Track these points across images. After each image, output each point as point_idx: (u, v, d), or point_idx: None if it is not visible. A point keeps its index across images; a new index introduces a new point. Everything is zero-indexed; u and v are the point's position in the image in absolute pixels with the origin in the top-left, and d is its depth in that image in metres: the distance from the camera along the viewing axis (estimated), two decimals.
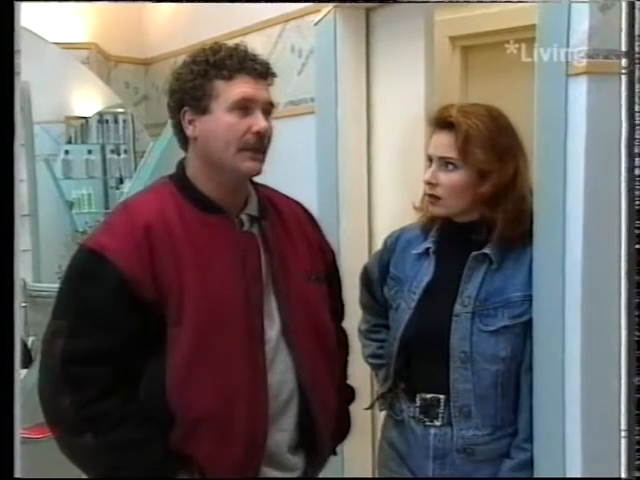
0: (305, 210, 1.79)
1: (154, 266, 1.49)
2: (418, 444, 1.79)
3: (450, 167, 1.73)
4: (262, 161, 1.57)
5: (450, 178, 1.73)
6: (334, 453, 1.78)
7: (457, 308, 1.73)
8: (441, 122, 1.76)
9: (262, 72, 1.56)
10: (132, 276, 1.48)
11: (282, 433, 1.61)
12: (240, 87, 1.53)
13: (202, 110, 1.54)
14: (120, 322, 1.48)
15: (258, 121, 1.53)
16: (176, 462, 1.52)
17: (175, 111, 1.59)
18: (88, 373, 1.48)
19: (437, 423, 1.75)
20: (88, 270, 1.51)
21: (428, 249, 1.81)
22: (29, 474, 1.45)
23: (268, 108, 1.57)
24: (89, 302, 1.49)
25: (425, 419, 1.77)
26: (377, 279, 1.95)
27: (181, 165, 1.63)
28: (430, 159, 1.78)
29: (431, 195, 1.76)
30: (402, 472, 1.84)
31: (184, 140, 1.61)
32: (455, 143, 1.71)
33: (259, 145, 1.54)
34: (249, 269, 1.58)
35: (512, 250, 1.74)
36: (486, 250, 1.73)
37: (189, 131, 1.57)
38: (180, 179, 1.61)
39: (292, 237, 1.69)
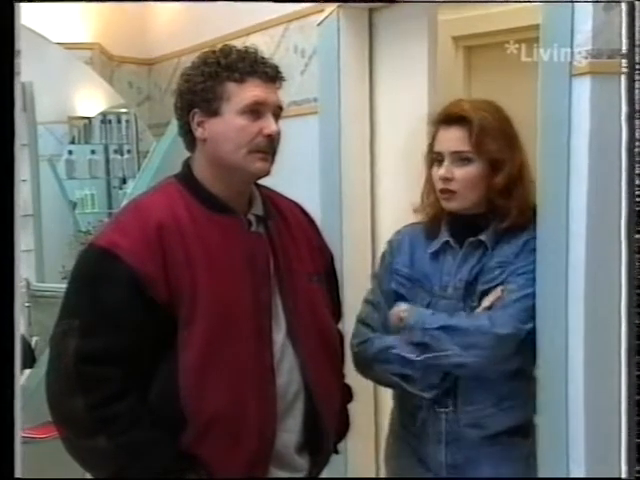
0: (304, 211, 1.80)
1: (167, 266, 1.48)
2: (429, 431, 1.79)
3: (464, 160, 1.75)
4: (272, 162, 1.57)
5: (465, 171, 1.76)
6: (336, 452, 1.78)
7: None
8: (451, 117, 1.78)
9: (272, 76, 1.57)
10: (145, 276, 1.46)
11: (289, 433, 1.61)
12: (252, 90, 1.53)
13: (212, 112, 1.54)
14: (133, 322, 1.47)
15: (269, 124, 1.54)
16: (185, 463, 1.51)
17: (183, 112, 1.58)
18: (101, 373, 1.47)
19: (449, 409, 1.77)
20: (99, 269, 1.50)
21: (447, 242, 1.82)
22: (29, 474, 1.44)
23: (277, 112, 1.58)
24: (102, 301, 1.48)
25: (436, 406, 1.78)
26: (386, 281, 1.91)
27: (187, 165, 1.63)
28: (439, 155, 1.79)
29: (446, 190, 1.78)
30: (411, 463, 1.85)
31: (191, 141, 1.60)
32: (468, 136, 1.74)
33: (269, 147, 1.55)
34: (258, 270, 1.58)
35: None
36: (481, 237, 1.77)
37: (198, 133, 1.56)
38: (187, 179, 1.60)
39: (295, 238, 1.69)
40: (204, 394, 1.50)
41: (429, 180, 1.84)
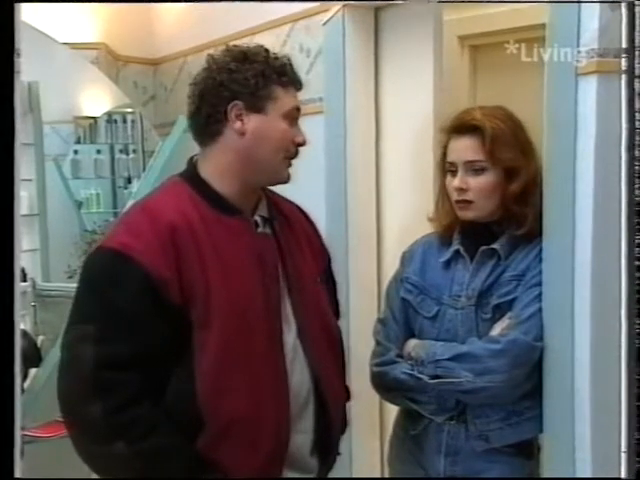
0: (304, 213, 1.79)
1: (180, 267, 1.47)
2: (429, 439, 1.79)
3: (478, 170, 1.74)
4: None
5: (480, 181, 1.75)
6: (338, 452, 1.76)
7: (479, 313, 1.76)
8: (464, 126, 1.76)
9: (300, 87, 1.60)
10: (159, 278, 1.44)
11: (301, 435, 1.60)
12: (294, 97, 1.57)
13: (257, 108, 1.53)
14: (148, 325, 1.45)
15: (301, 133, 1.58)
16: (202, 467, 1.49)
17: (220, 102, 1.54)
18: (119, 378, 1.44)
19: (451, 421, 1.76)
20: (112, 271, 1.46)
21: (458, 250, 1.81)
22: (31, 474, 1.44)
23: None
24: (116, 304, 1.44)
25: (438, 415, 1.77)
26: (396, 292, 1.91)
27: (192, 163, 1.61)
28: (452, 165, 1.78)
29: (462, 200, 1.77)
30: (413, 468, 1.84)
31: (211, 134, 1.56)
32: (482, 145, 1.73)
33: (295, 156, 1.59)
34: (267, 271, 1.58)
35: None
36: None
37: (237, 125, 1.54)
38: (194, 178, 1.59)
39: (298, 239, 1.69)
40: (222, 396, 1.48)
41: (442, 189, 1.83)
